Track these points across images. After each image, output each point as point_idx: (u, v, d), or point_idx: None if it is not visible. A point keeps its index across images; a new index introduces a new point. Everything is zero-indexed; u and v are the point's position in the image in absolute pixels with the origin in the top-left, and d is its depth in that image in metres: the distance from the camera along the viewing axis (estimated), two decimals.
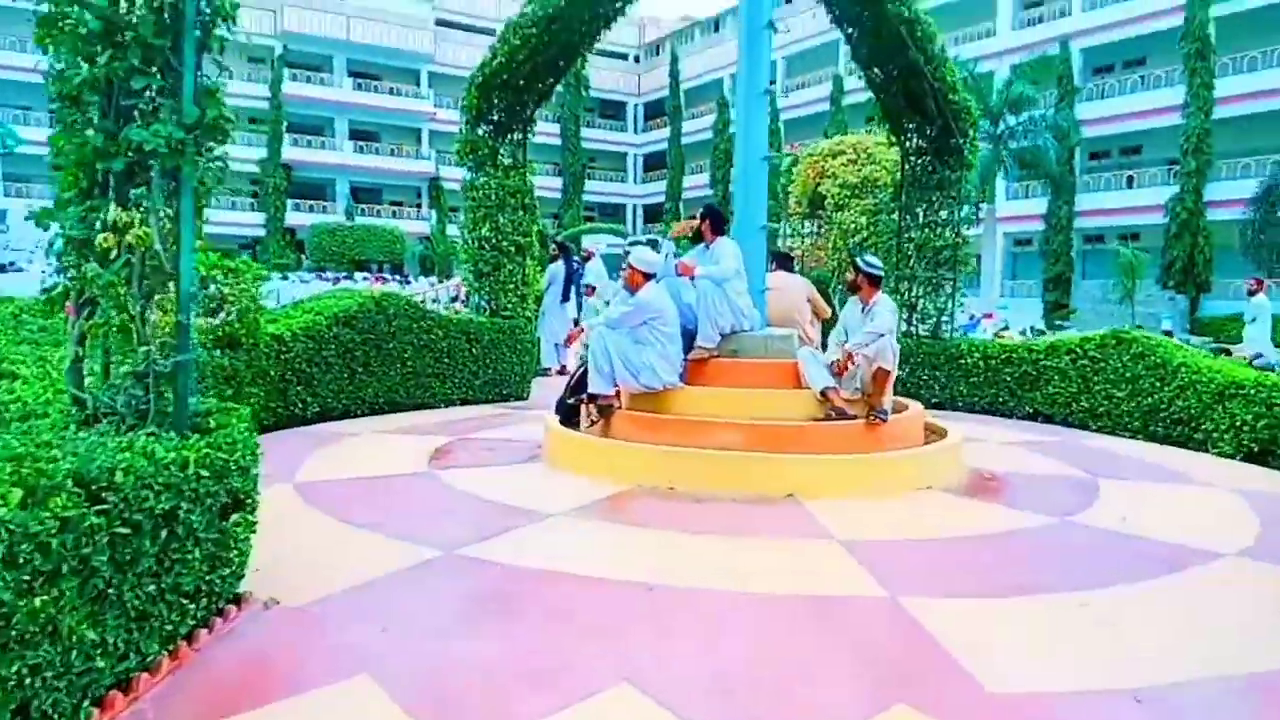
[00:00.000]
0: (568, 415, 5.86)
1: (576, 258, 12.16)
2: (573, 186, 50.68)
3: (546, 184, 46.82)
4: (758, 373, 5.33)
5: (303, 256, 41.33)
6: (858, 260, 5.34)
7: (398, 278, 29.19)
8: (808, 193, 11.51)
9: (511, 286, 8.82)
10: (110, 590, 2.25)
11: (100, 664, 2.23)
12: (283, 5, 42.84)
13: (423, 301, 17.29)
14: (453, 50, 47.29)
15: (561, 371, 10.45)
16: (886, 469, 4.81)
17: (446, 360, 8.22)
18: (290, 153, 43.60)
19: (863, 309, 5.29)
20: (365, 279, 25.92)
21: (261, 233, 43.69)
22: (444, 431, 6.68)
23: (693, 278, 5.40)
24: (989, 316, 23.19)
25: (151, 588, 2.44)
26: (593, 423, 5.35)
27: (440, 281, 33.61)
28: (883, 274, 5.39)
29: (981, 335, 13.33)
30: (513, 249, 8.80)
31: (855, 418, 5.03)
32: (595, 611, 3.09)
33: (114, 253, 2.80)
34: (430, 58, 46.90)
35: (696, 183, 49.83)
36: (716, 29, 50.26)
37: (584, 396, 5.42)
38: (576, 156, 50.84)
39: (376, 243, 41.33)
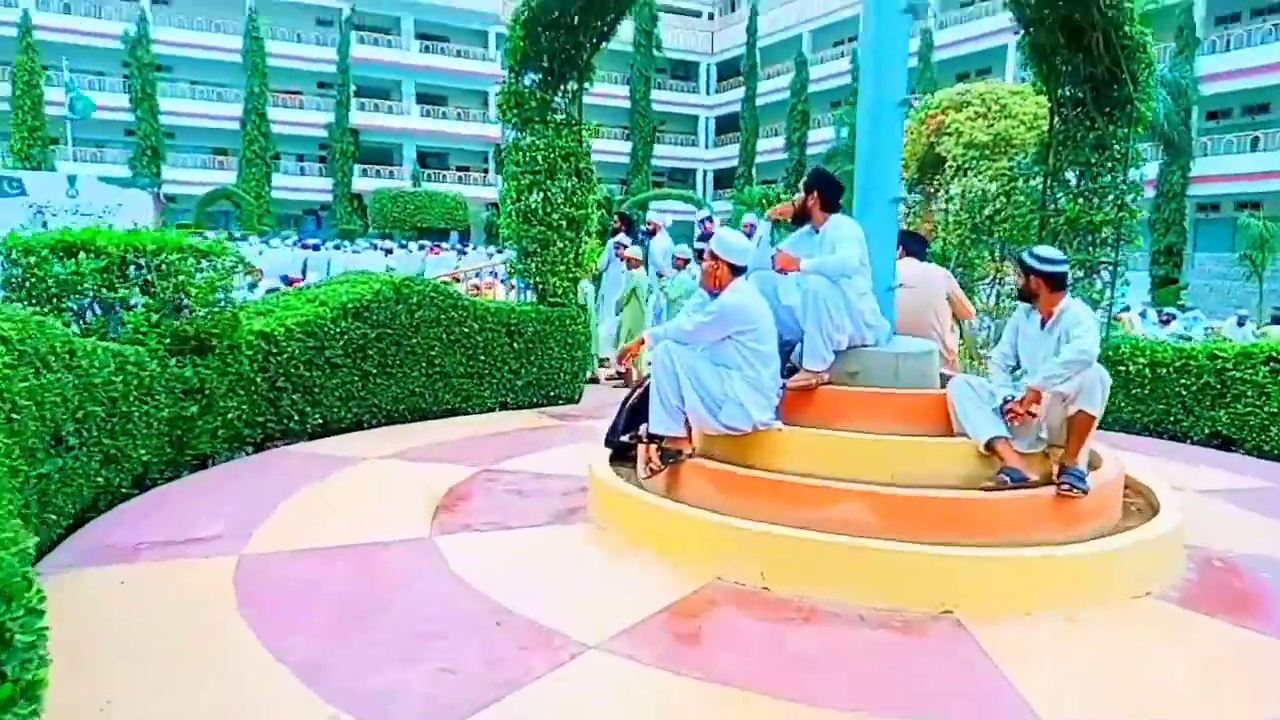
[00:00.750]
0: (622, 449, 4.41)
1: (642, 228, 10.66)
2: (641, 151, 48.92)
3: (614, 148, 45.23)
4: (887, 408, 3.76)
5: (367, 223, 40.74)
6: (1025, 257, 3.70)
7: (457, 246, 28.06)
8: (919, 154, 9.69)
9: (562, 268, 7.37)
10: None
11: None
12: None
13: (468, 275, 16.01)
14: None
15: (619, 376, 8.95)
16: (1093, 572, 3.22)
17: (482, 358, 6.85)
18: (358, 117, 42.95)
19: (1042, 323, 3.66)
20: (422, 247, 24.84)
21: (329, 198, 43.32)
22: (467, 458, 5.29)
23: (794, 273, 3.86)
24: None
25: None
26: (652, 471, 3.88)
27: (500, 250, 32.50)
28: (1067, 270, 3.74)
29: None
30: (564, 223, 7.33)
31: (1038, 484, 3.44)
32: None
33: None
34: (497, 17, 45.44)
35: (770, 146, 47.51)
36: None
37: (641, 434, 3.95)
38: (646, 119, 49.00)
39: (439, 209, 40.42)
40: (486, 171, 47.15)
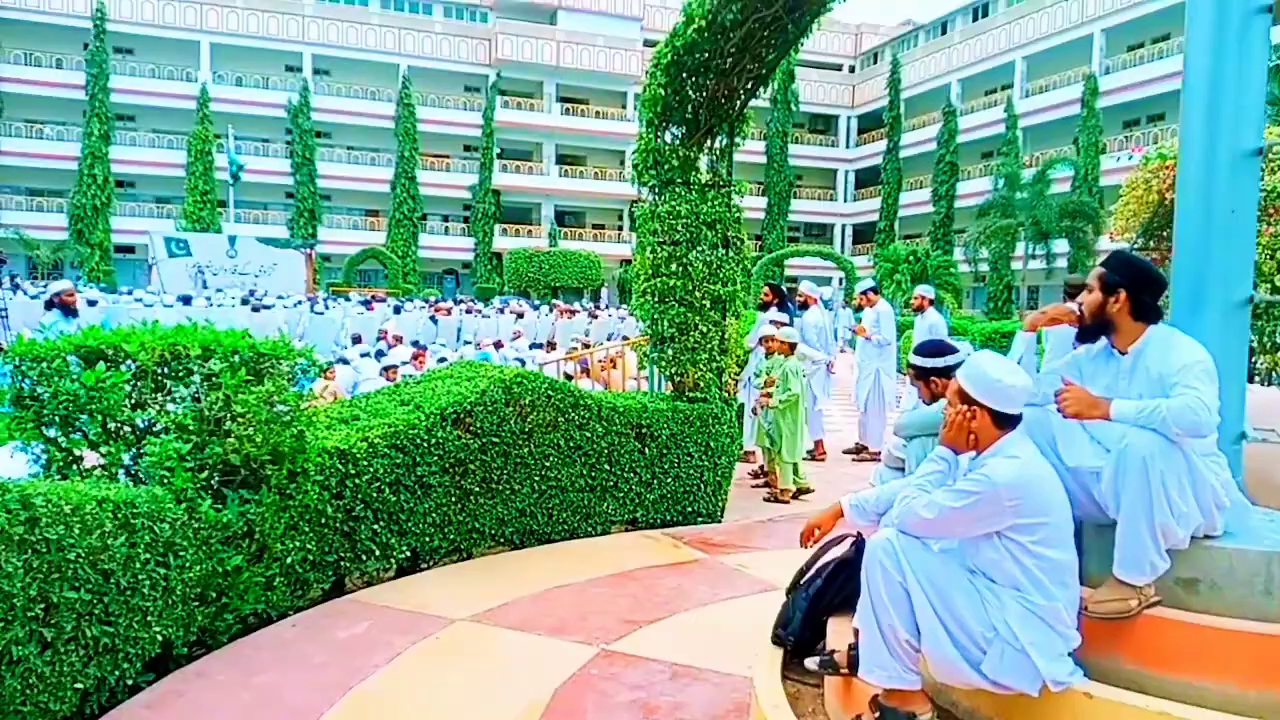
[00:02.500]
0: (800, 647, 3.03)
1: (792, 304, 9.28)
2: (777, 206, 47.76)
3: (749, 204, 44.15)
4: (1262, 661, 2.23)
5: (504, 282, 41.23)
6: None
7: (588, 306, 27.45)
8: (1147, 209, 7.91)
9: (704, 356, 6.11)
10: None
11: None
12: (496, 34, 43.25)
13: (599, 342, 14.81)
14: None
15: (762, 477, 7.52)
16: None
17: (607, 467, 5.64)
18: (500, 179, 44.02)
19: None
20: (552, 308, 24.27)
21: (470, 257, 44.33)
22: (580, 625, 4.02)
23: (1095, 419, 2.41)
24: None
25: None
26: None
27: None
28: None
29: None
30: (707, 303, 6.09)
31: None
32: None
33: None
34: (637, 79, 45.79)
35: (914, 200, 45.28)
36: (943, 31, 45.49)
37: (839, 662, 2.57)
38: (783, 174, 47.90)
39: (573, 268, 40.45)
40: (621, 229, 47.17)
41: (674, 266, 6.04)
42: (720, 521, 6.14)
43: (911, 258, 30.76)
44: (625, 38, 45.60)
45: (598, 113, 46.06)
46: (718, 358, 6.20)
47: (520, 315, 20.56)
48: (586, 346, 15.70)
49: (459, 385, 5.06)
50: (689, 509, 6.04)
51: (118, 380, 3.30)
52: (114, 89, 37.93)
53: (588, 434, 5.52)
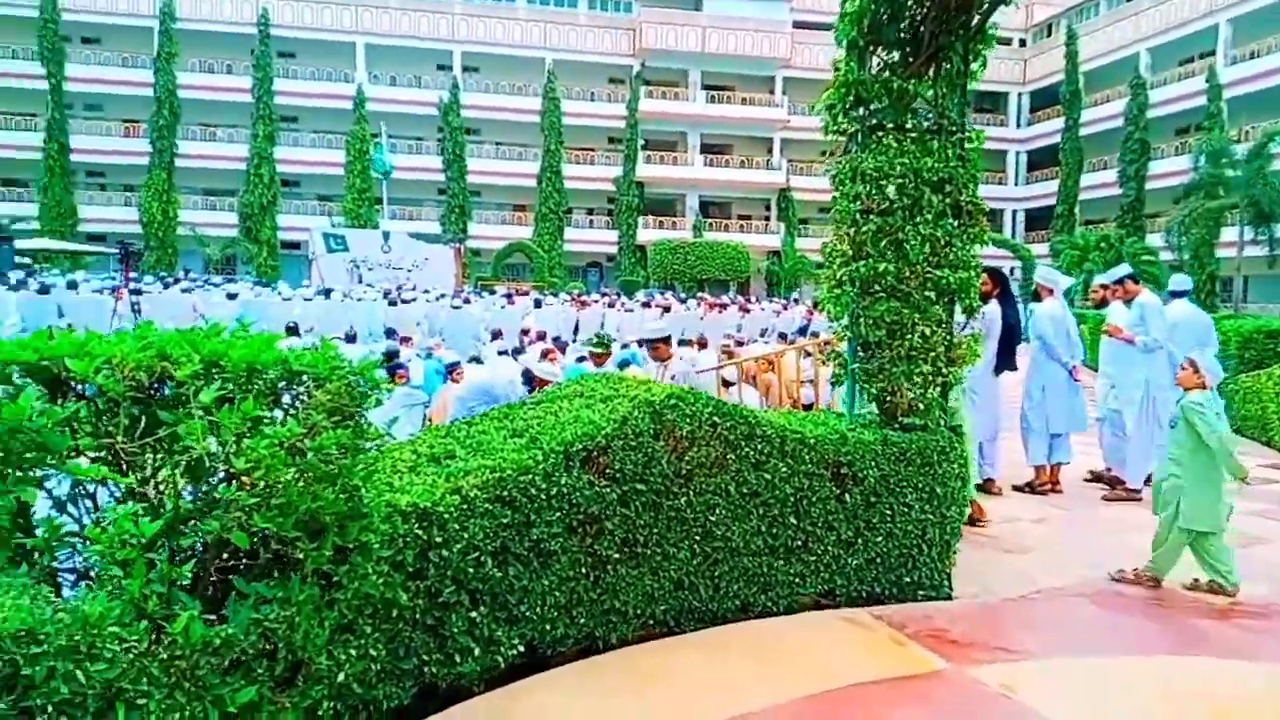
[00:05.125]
0: None
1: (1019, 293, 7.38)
2: None
3: None
4: None
5: (648, 275, 40.25)
6: None
7: (738, 300, 25.77)
8: None
9: (926, 367, 4.43)
10: None
11: None
12: (640, 24, 42.21)
13: (754, 338, 12.91)
14: (809, 53, 43.54)
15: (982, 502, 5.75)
16: None
17: (794, 521, 4.09)
18: (644, 170, 43.05)
19: None
20: (699, 301, 22.72)
21: (614, 250, 43.62)
22: None
23: None
24: None
25: None
26: None
27: (789, 302, 29.80)
28: None
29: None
30: (931, 295, 4.42)
31: None
32: None
33: None
34: (785, 62, 43.60)
35: (1097, 181, 40.75)
36: None
37: None
38: None
39: (719, 259, 38.92)
40: (768, 219, 45.21)
41: (884, 244, 4.40)
42: (950, 597, 4.45)
43: (1104, 244, 27.19)
44: (773, 20, 43.46)
45: (744, 99, 44.20)
46: (944, 370, 4.51)
47: (666, 309, 19.20)
48: (739, 344, 14.13)
49: (590, 410, 3.65)
50: (906, 578, 4.39)
51: (54, 417, 2.07)
52: (277, 91, 39.48)
53: (767, 475, 3.99)
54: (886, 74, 4.43)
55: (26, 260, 28.76)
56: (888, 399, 4.53)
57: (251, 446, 2.23)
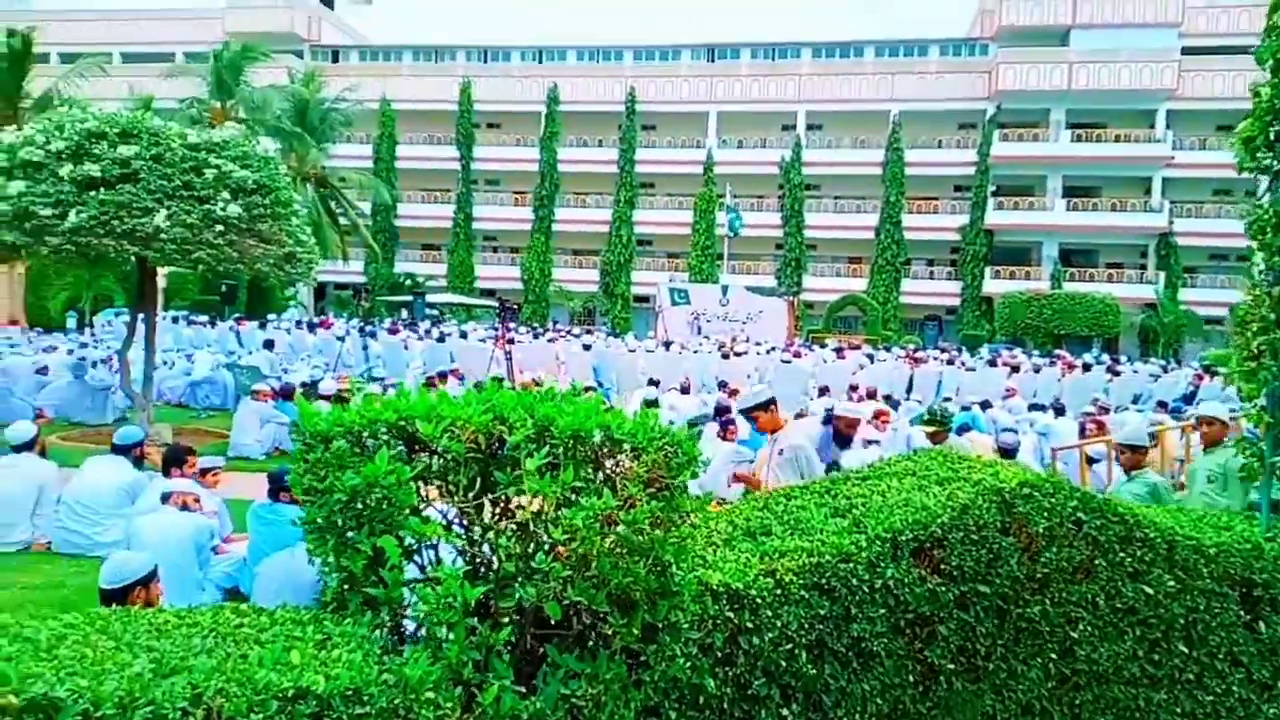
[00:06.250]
0: None
1: None
2: None
3: None
4: None
5: (994, 329, 37.20)
6: None
7: (1103, 359, 22.66)
8: None
9: None
10: None
11: None
12: (997, 65, 39.78)
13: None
14: (1200, 81, 37.86)
15: None
16: None
17: (1182, 648, 3.31)
18: (993, 217, 40.29)
19: None
20: (1053, 361, 20.22)
21: (955, 301, 41.14)
22: None
23: None
24: None
25: None
26: None
27: (1170, 363, 25.61)
28: None
29: None
30: None
31: None
32: None
33: None
34: (1170, 93, 38.24)
35: None
36: None
37: None
38: None
39: (1082, 313, 34.73)
40: (1144, 268, 39.62)
41: None
42: None
43: None
44: (1157, 49, 38.34)
45: (1117, 136, 39.45)
46: None
47: (1015, 369, 17.44)
48: (1105, 411, 12.31)
49: (923, 493, 3.27)
50: None
51: (403, 475, 2.26)
52: (638, 161, 43.37)
53: (1148, 589, 3.28)
54: None
55: (434, 311, 34.31)
56: None
57: (569, 517, 2.26)
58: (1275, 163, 3.62)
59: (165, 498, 4.80)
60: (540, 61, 45.48)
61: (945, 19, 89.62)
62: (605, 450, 2.57)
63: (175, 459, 5.54)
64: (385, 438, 2.49)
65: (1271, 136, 3.59)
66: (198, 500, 4.97)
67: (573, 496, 2.34)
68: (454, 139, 44.62)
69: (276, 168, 9.12)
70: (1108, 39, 38.98)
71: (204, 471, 5.63)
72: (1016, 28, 40.34)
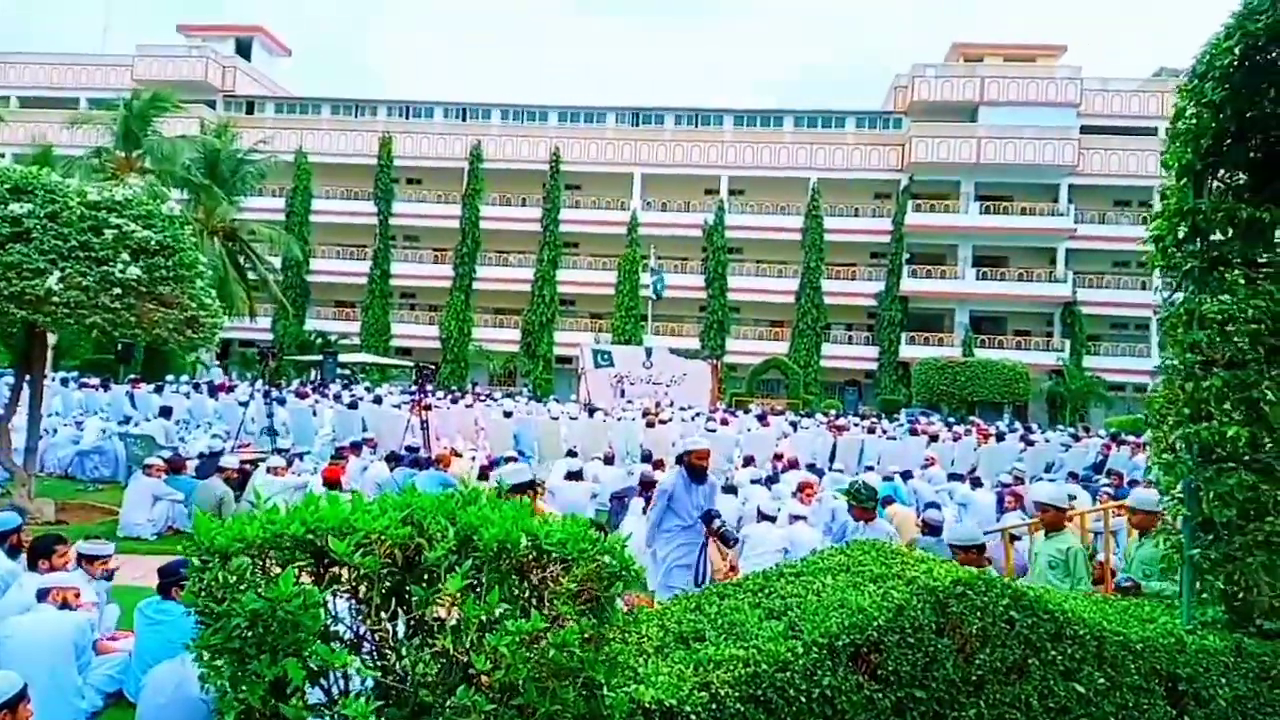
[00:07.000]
0: None
1: None
2: None
3: None
4: None
5: (910, 394, 38.27)
6: None
7: (1014, 427, 23.47)
8: None
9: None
10: None
11: None
12: (910, 138, 41.79)
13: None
14: (1098, 158, 40.56)
15: None
16: None
17: None
18: (908, 284, 41.71)
19: None
20: (968, 428, 20.78)
21: (874, 366, 42.24)
22: None
23: None
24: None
25: None
26: None
27: (1078, 429, 26.73)
28: None
29: None
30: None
31: None
32: None
33: None
34: (1071, 169, 40.80)
35: None
36: None
37: None
38: None
39: (993, 379, 36.04)
40: (1050, 336, 41.56)
41: (1231, 403, 3.58)
42: None
43: None
44: (1058, 126, 40.98)
45: (1024, 209, 41.72)
46: None
47: (934, 438, 17.85)
48: (1020, 481, 12.62)
49: (858, 592, 3.19)
50: None
51: (311, 598, 2.05)
52: (562, 220, 43.55)
53: (1080, 688, 3.25)
54: (1231, 200, 3.71)
55: (346, 372, 33.25)
56: (1239, 596, 3.59)
57: (493, 641, 2.08)
58: (1183, 262, 3.78)
59: (42, 594, 4.36)
60: (464, 119, 45.38)
61: (862, 94, 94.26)
62: (532, 560, 2.41)
63: (43, 550, 5.00)
64: (291, 553, 2.27)
65: (1180, 238, 3.76)
66: (78, 595, 4.53)
67: (496, 621, 2.17)
68: (372, 194, 44.08)
69: (181, 227, 8.71)
70: (1012, 116, 41.41)
71: (90, 559, 5.16)
72: (928, 103, 42.49)
